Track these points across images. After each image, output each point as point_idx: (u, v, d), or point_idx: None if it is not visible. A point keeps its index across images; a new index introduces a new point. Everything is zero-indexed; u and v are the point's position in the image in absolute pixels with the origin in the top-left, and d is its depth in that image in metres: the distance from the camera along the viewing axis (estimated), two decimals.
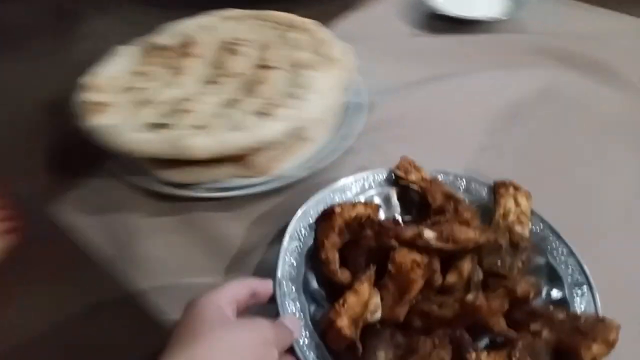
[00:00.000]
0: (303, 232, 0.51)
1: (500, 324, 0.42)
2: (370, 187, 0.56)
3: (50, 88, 0.69)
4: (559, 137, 0.65)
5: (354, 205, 0.51)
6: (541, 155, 0.63)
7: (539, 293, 0.46)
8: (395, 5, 0.89)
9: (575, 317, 0.43)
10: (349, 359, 0.42)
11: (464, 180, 0.56)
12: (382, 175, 0.56)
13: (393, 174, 0.56)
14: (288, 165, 0.60)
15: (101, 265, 0.53)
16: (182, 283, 0.51)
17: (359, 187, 0.55)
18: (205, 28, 0.69)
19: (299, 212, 0.51)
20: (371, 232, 0.47)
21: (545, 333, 0.42)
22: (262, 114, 0.55)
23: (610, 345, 0.40)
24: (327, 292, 0.48)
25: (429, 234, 0.46)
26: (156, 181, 0.58)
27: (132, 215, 0.57)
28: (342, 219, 0.49)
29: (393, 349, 0.42)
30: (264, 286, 0.44)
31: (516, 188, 0.53)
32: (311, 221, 0.51)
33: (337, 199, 0.53)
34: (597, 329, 0.41)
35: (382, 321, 0.44)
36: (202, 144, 0.53)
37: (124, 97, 0.59)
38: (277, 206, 0.58)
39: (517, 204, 0.52)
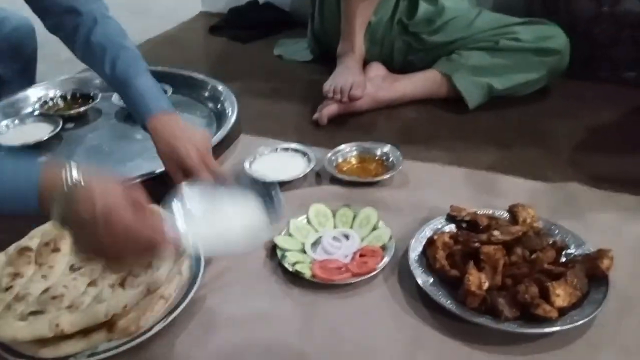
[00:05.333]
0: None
1: (553, 268, 0.76)
2: (438, 229, 0.89)
3: None
4: None
5: (442, 233, 0.84)
6: None
7: (568, 247, 0.81)
8: None
9: (587, 254, 0.78)
10: (480, 311, 0.73)
11: (489, 210, 0.91)
12: (441, 220, 0.90)
13: (449, 216, 0.90)
14: (147, 323, 0.71)
15: None
16: None
17: (433, 230, 0.88)
18: None
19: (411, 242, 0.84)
20: (463, 240, 0.80)
21: (577, 265, 0.76)
22: (119, 285, 0.72)
23: (611, 258, 0.75)
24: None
25: (496, 233, 0.80)
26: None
27: None
28: (440, 241, 0.82)
29: (504, 297, 0.74)
30: None
31: (523, 206, 0.89)
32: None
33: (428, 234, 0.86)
34: (600, 253, 0.76)
35: (489, 288, 0.76)
36: (70, 321, 0.67)
37: (3, 296, 0.73)
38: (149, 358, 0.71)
39: (527, 213, 0.88)
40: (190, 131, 0.97)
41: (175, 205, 0.73)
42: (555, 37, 1.28)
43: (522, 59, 1.27)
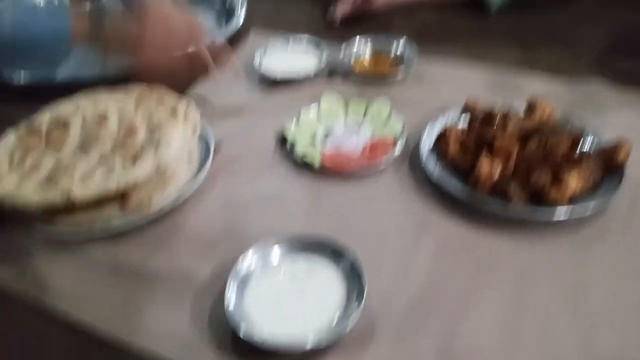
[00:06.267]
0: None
1: (567, 158, 0.74)
2: (452, 122, 0.86)
3: None
4: None
5: (454, 125, 0.82)
6: None
7: (584, 139, 0.78)
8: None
9: (603, 148, 0.76)
10: (495, 195, 0.72)
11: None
12: (455, 114, 0.88)
13: (464, 109, 0.87)
14: (159, 201, 0.73)
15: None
16: None
17: (446, 122, 0.86)
18: (78, 107, 0.82)
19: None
20: (476, 131, 0.78)
21: (593, 156, 0.74)
22: (131, 160, 0.71)
23: (628, 151, 0.73)
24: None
25: (511, 124, 0.78)
26: (53, 230, 0.71)
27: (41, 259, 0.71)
28: (452, 133, 0.80)
29: (516, 183, 0.72)
30: None
31: (541, 100, 0.86)
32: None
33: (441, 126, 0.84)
34: (618, 145, 0.74)
35: (501, 176, 0.74)
36: (81, 190, 0.67)
37: (14, 170, 0.73)
38: (159, 232, 0.73)
39: (545, 107, 0.85)
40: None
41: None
42: None
43: None
